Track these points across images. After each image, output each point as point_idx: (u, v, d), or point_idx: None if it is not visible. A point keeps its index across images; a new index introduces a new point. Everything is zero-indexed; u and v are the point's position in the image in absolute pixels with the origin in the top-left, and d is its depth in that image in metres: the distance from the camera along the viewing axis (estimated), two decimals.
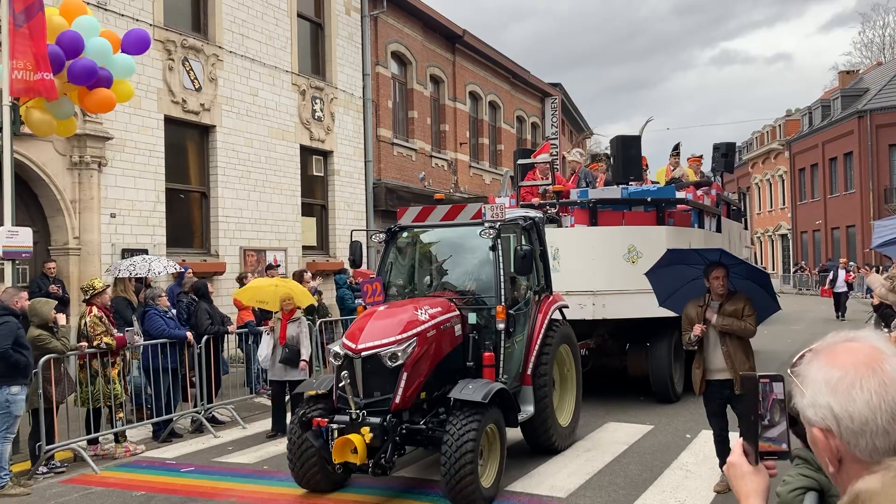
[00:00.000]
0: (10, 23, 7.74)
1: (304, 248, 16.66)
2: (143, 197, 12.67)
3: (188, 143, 14.13)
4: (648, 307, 9.59)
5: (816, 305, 28.37)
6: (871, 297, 10.15)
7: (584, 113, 36.50)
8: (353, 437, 5.85)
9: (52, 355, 7.65)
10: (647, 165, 12.21)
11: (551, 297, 8.17)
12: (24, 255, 8.43)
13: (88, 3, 11.53)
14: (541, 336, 7.65)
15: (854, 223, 42.25)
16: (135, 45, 8.94)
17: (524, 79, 28.50)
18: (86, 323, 8.38)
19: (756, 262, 29.43)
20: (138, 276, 10.30)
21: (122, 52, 8.80)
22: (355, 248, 8.04)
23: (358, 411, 6.01)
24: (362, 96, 18.65)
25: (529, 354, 7.54)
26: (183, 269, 11.31)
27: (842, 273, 24.49)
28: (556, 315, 8.19)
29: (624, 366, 10.98)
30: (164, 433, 9.07)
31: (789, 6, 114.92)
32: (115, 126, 12.18)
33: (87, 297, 8.58)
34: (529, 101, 30.09)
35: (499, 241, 7.08)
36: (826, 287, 25.28)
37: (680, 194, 10.82)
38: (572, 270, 9.63)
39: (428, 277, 8.12)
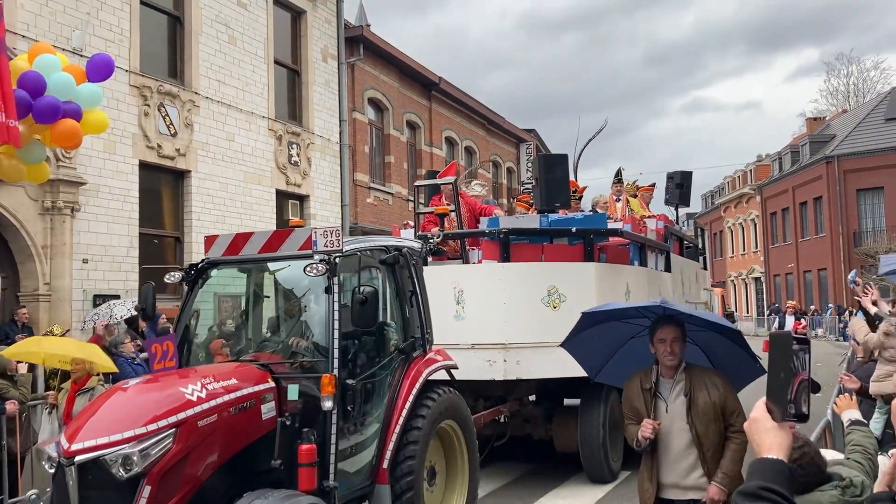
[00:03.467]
0: None
1: None
2: (116, 242, 12.54)
3: (163, 188, 14.07)
4: (575, 365, 8.20)
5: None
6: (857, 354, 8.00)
7: None
8: None
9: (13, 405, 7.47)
10: (580, 193, 10.55)
11: (426, 357, 6.13)
12: None
13: (64, 50, 11.56)
14: (405, 411, 5.67)
15: (825, 266, 42.85)
16: (99, 71, 8.55)
17: (499, 125, 28.88)
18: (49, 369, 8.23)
19: (724, 307, 26.77)
20: (102, 322, 10.15)
21: (88, 80, 8.43)
22: (146, 293, 5.95)
23: None
24: (339, 141, 18.75)
25: (387, 439, 5.55)
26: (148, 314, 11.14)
27: (790, 320, 19.51)
28: (443, 376, 6.30)
29: (550, 436, 9.07)
30: None
31: (757, 57, 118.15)
32: (90, 171, 12.11)
33: None
34: (505, 146, 30.44)
35: (335, 280, 5.15)
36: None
37: (616, 225, 9.11)
38: (479, 318, 7.86)
39: (245, 333, 6.24)
